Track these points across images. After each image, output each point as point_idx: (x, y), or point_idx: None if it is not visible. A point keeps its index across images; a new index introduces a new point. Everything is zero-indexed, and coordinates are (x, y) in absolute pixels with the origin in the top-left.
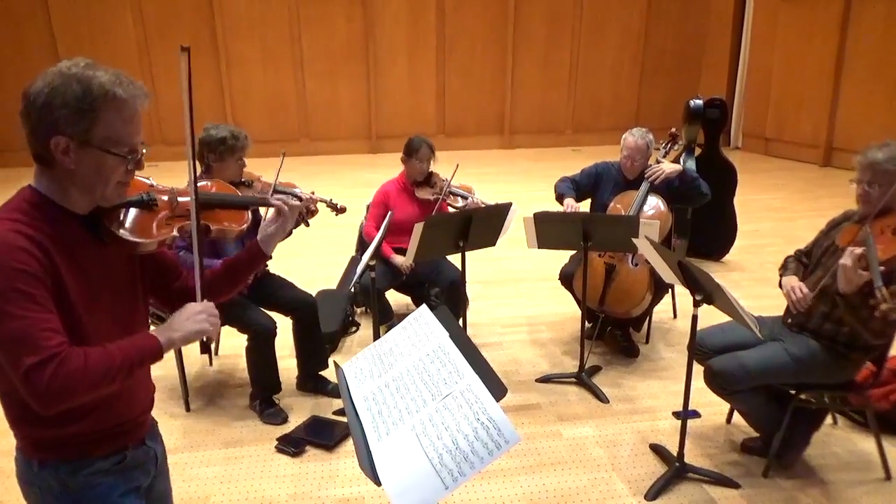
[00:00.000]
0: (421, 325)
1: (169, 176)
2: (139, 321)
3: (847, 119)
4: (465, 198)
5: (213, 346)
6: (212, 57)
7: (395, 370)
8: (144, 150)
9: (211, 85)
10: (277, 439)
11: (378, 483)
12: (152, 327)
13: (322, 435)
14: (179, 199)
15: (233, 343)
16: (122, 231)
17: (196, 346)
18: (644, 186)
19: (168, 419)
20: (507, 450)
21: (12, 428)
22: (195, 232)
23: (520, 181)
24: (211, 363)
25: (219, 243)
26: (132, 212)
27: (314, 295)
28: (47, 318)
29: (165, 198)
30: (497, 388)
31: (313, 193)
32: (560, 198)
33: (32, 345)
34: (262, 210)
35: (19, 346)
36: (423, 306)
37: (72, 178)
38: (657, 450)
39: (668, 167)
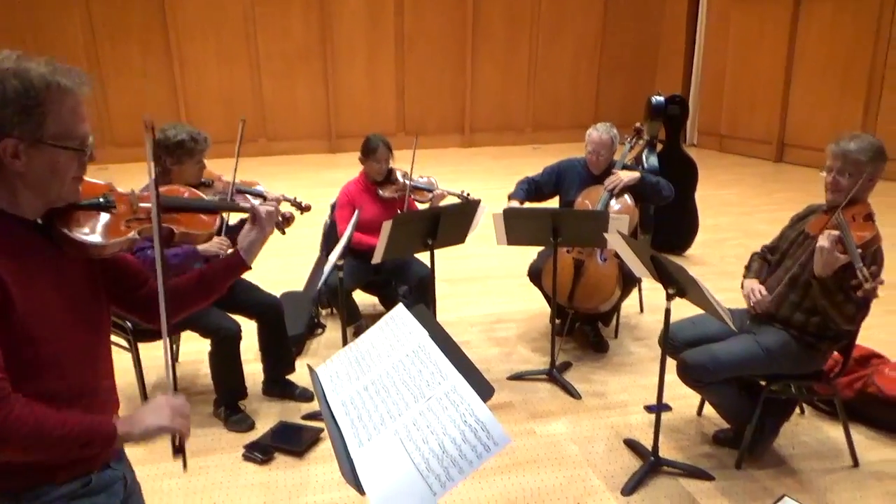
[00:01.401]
0: (399, 325)
1: (119, 179)
2: (102, 331)
3: (798, 116)
4: (429, 190)
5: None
6: (164, 56)
7: (374, 372)
8: (91, 139)
9: (164, 85)
10: (245, 447)
11: (362, 492)
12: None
13: (291, 441)
14: (141, 203)
15: (195, 348)
16: (77, 234)
17: (157, 356)
18: (605, 196)
19: None
20: (496, 452)
21: None
22: (157, 237)
23: (481, 179)
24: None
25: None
26: (89, 214)
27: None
28: None
29: (125, 200)
30: (483, 389)
31: (282, 195)
32: (509, 199)
33: None
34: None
35: None
36: (400, 305)
37: (23, 181)
38: (631, 444)
39: (625, 175)
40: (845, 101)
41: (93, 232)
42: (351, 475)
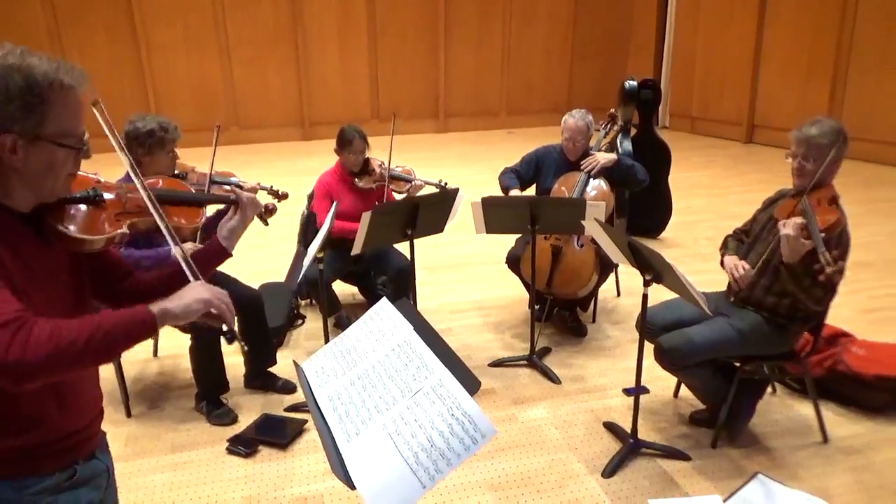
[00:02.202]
0: (383, 319)
1: (94, 167)
2: None
3: (767, 97)
4: (407, 181)
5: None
6: (131, 43)
7: (360, 367)
8: (87, 136)
9: (131, 73)
10: (228, 440)
11: (352, 487)
12: None
13: (275, 433)
14: (129, 194)
15: (174, 343)
16: (68, 228)
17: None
18: (582, 177)
19: (108, 426)
20: (484, 444)
21: None
22: (158, 217)
23: (457, 165)
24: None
25: (154, 238)
26: (79, 208)
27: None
28: (2, 291)
29: (114, 193)
30: (469, 382)
31: (258, 183)
32: (505, 191)
33: None
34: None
35: None
36: (384, 299)
37: (18, 175)
38: (611, 427)
39: (602, 157)
40: (812, 82)
41: (83, 226)
42: (341, 470)
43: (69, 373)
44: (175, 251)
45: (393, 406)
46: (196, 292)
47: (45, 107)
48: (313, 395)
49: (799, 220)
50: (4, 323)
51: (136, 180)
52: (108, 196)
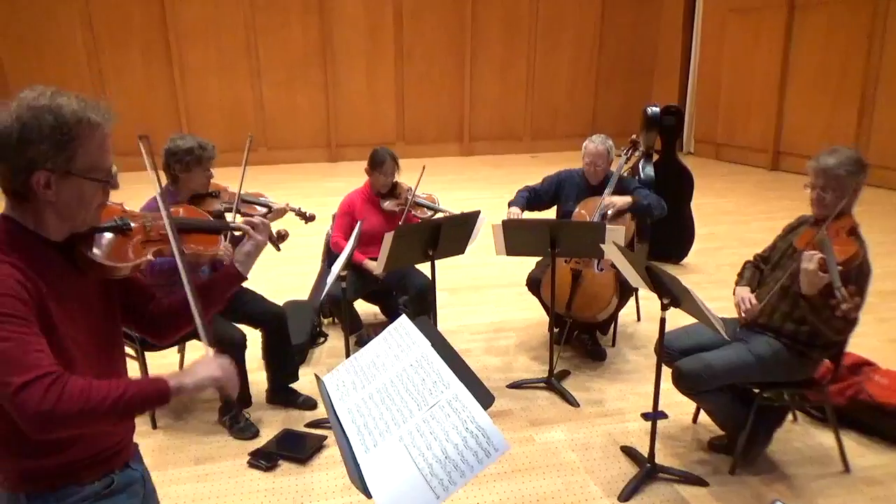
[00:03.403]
0: (402, 336)
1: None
2: (118, 346)
3: (793, 124)
4: (431, 208)
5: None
6: (165, 65)
7: (378, 381)
8: (115, 169)
9: (165, 94)
10: (249, 454)
11: (368, 496)
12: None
13: (295, 448)
14: (153, 223)
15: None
16: (98, 256)
17: (163, 364)
18: (601, 208)
19: (135, 437)
20: (496, 458)
21: None
22: (178, 254)
23: (481, 188)
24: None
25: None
26: (107, 237)
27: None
28: (38, 342)
29: (139, 222)
30: (484, 396)
31: (287, 205)
32: (508, 205)
33: (23, 364)
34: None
35: (9, 366)
36: (403, 316)
37: (52, 208)
38: (628, 451)
39: (619, 200)
40: (839, 109)
41: (112, 254)
42: (358, 479)
43: (87, 429)
44: (187, 288)
45: (410, 419)
46: (209, 370)
47: (75, 143)
48: (333, 408)
49: (818, 255)
50: (41, 376)
51: (162, 209)
52: (133, 224)
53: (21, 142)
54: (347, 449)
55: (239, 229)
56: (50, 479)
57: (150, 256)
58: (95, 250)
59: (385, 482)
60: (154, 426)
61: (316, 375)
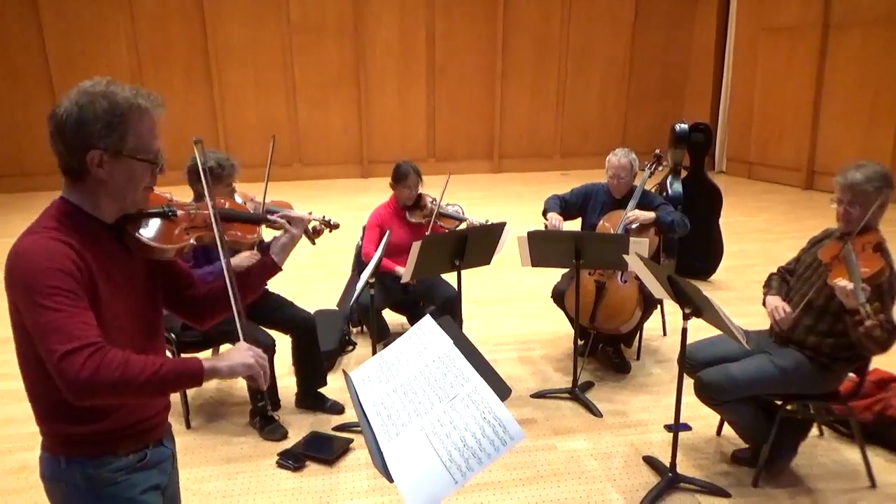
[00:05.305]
0: (425, 334)
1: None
2: (159, 326)
3: (827, 143)
4: (456, 219)
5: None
6: (205, 84)
7: (402, 376)
8: (163, 154)
9: (204, 111)
10: (278, 454)
11: (391, 480)
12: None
13: (322, 450)
14: (197, 211)
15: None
16: (145, 237)
17: None
18: (625, 221)
19: None
20: (512, 446)
21: (41, 425)
22: (221, 244)
23: (510, 204)
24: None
25: (213, 252)
26: (155, 221)
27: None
28: (85, 315)
29: (184, 210)
30: (501, 389)
31: (311, 213)
32: (545, 213)
33: (69, 334)
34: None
35: (56, 335)
36: (427, 316)
37: (104, 188)
38: (650, 461)
39: (642, 214)
40: (874, 128)
41: (159, 236)
42: (381, 465)
43: (123, 400)
44: (223, 264)
45: (431, 410)
46: (242, 356)
47: (126, 125)
48: (359, 400)
49: (850, 285)
50: (84, 345)
51: (208, 199)
52: (179, 212)
53: (78, 123)
54: (371, 437)
55: (276, 223)
56: (89, 446)
57: (192, 241)
58: (143, 231)
59: (407, 468)
60: (188, 426)
61: (344, 371)
